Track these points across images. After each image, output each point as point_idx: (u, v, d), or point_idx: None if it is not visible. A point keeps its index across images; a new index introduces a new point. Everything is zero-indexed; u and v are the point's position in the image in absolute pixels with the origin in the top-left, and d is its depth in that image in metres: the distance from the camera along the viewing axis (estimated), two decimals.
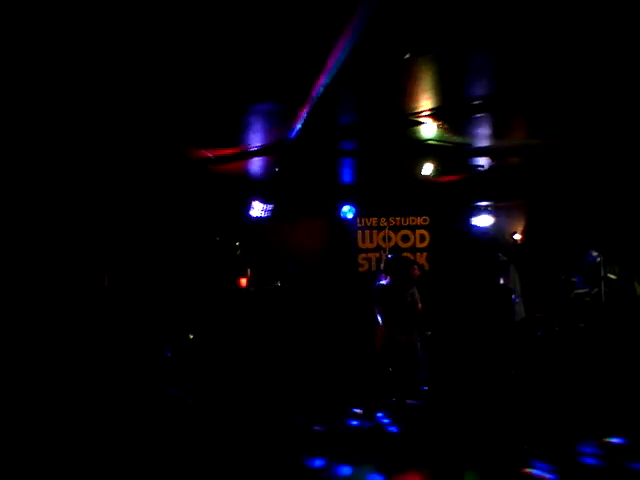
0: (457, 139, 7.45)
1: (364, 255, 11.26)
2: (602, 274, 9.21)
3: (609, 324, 8.79)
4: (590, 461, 5.50)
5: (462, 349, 7.40)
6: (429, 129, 6.83)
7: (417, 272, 8.12)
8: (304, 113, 6.27)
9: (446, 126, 6.76)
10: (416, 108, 6.24)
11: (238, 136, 7.44)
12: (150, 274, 9.32)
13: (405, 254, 10.74)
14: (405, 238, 11.24)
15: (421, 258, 11.17)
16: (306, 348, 9.31)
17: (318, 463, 5.59)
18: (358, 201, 10.76)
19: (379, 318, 7.01)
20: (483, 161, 8.73)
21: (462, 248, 10.57)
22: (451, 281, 10.10)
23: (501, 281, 8.53)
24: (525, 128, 7.45)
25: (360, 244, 11.28)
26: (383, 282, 7.19)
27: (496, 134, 7.46)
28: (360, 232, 11.27)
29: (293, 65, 5.02)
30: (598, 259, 9.13)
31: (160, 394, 7.35)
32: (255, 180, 9.96)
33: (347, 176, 10.20)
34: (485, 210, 10.89)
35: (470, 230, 10.91)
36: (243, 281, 10.24)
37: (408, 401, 7.00)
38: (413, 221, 11.26)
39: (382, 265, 7.62)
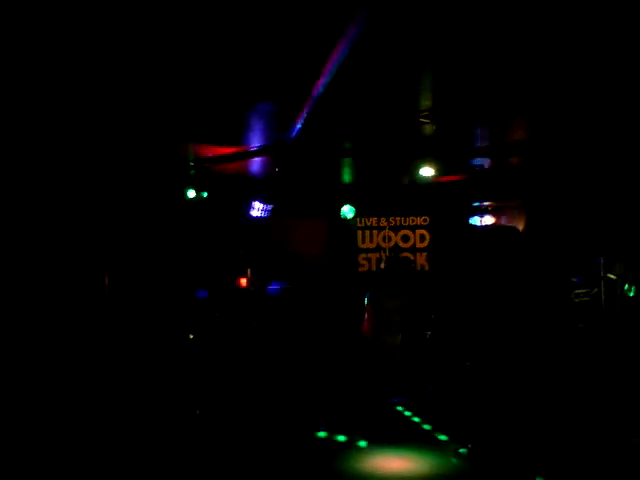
0: None
1: (364, 255, 11.26)
2: (602, 274, 9.20)
3: (609, 324, 8.78)
4: None
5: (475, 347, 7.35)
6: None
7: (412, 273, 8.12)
8: (304, 113, 6.27)
9: None
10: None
11: (238, 136, 7.45)
12: (150, 274, 9.32)
13: (405, 254, 10.76)
14: (405, 238, 11.23)
15: (421, 258, 11.16)
16: (305, 348, 9.31)
17: None
18: (358, 201, 10.75)
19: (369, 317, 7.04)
20: (483, 161, 8.74)
21: (478, 248, 10.46)
22: (456, 280, 10.10)
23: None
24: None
25: (360, 244, 11.27)
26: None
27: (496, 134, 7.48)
28: (360, 232, 11.27)
29: (293, 66, 5.04)
30: None
31: (161, 393, 7.35)
32: (255, 180, 9.96)
33: (347, 176, 10.20)
34: (485, 210, 10.88)
35: (476, 229, 10.88)
36: (243, 281, 10.24)
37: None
38: (413, 221, 11.26)
39: (382, 265, 7.63)
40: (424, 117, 6.49)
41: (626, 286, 8.85)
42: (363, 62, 4.93)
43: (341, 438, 6.38)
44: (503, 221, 11.11)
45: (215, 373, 8.27)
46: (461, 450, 5.82)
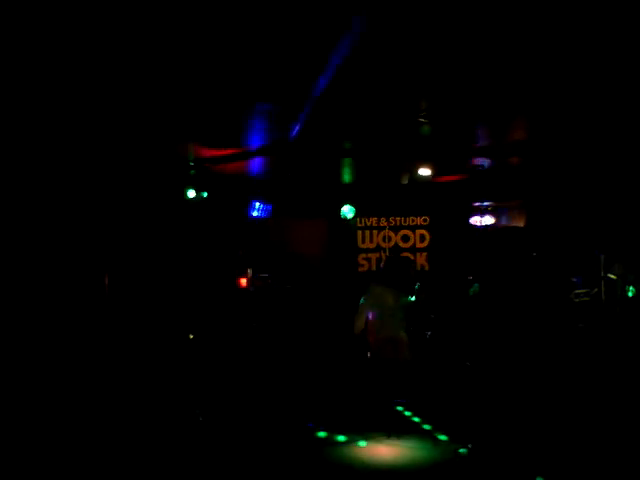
0: None
1: (364, 255, 11.26)
2: (602, 274, 9.19)
3: (608, 324, 8.78)
4: None
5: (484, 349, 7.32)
6: None
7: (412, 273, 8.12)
8: (304, 113, 6.28)
9: None
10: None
11: (238, 136, 7.45)
12: (150, 274, 9.33)
13: (405, 254, 10.76)
14: (405, 238, 11.24)
15: (421, 258, 11.17)
16: (305, 348, 9.31)
17: None
18: (358, 201, 10.76)
19: (371, 317, 7.03)
20: (484, 161, 8.75)
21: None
22: (456, 281, 10.11)
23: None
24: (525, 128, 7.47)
25: (360, 244, 11.28)
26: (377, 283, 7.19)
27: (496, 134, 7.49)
28: (360, 232, 11.28)
29: (293, 66, 5.04)
30: None
31: (161, 393, 7.35)
32: (255, 180, 9.97)
33: (347, 176, 10.21)
34: (485, 210, 10.89)
35: (474, 230, 10.87)
36: (243, 281, 10.24)
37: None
38: (413, 221, 11.26)
39: (382, 264, 7.62)
40: (424, 117, 6.49)
41: (627, 286, 8.84)
42: (363, 63, 4.93)
43: (341, 438, 6.39)
44: (503, 221, 11.11)
45: (215, 373, 8.26)
46: (461, 450, 5.83)
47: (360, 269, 11.21)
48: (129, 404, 6.99)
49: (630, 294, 8.78)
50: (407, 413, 7.34)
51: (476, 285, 7.45)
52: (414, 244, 11.22)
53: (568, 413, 6.80)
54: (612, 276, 9.06)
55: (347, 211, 10.73)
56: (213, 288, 9.89)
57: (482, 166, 8.96)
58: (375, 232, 11.28)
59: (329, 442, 6.33)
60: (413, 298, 7.10)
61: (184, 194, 9.21)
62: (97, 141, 7.28)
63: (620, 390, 7.30)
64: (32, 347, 7.51)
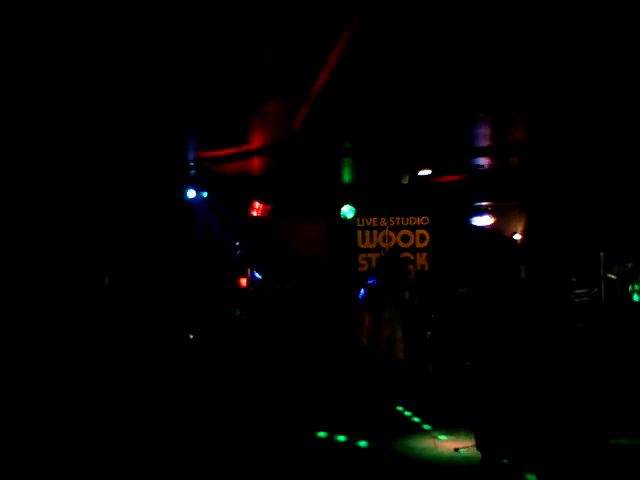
0: None
1: (364, 255, 11.25)
2: (602, 274, 9.19)
3: (609, 324, 8.78)
4: None
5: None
6: None
7: (412, 272, 8.13)
8: (304, 113, 6.28)
9: None
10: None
11: (238, 136, 7.45)
12: (150, 274, 9.33)
13: (405, 254, 10.74)
14: (405, 238, 11.23)
15: (421, 258, 11.16)
16: (305, 348, 9.31)
17: None
18: (358, 201, 10.75)
19: (367, 316, 7.04)
20: (483, 161, 8.74)
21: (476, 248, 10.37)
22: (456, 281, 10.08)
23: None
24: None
25: (360, 244, 11.27)
26: (373, 281, 7.20)
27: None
28: (360, 232, 11.26)
29: (294, 65, 5.04)
30: None
31: (162, 393, 7.35)
32: (255, 180, 9.96)
33: (347, 176, 10.20)
34: (485, 210, 10.87)
35: (472, 230, 10.85)
36: (243, 281, 10.24)
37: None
38: (413, 221, 11.25)
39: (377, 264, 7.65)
40: (423, 117, 6.50)
41: (630, 287, 8.81)
42: (362, 63, 4.94)
43: (341, 438, 6.39)
44: (503, 221, 11.08)
45: (215, 373, 8.27)
46: (462, 450, 5.83)
47: (360, 269, 11.19)
48: (129, 404, 6.99)
49: (636, 297, 8.73)
50: (407, 413, 7.35)
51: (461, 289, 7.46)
52: (414, 244, 11.20)
53: (567, 413, 6.80)
54: (612, 276, 9.06)
55: (347, 211, 10.71)
56: (213, 288, 9.89)
57: (482, 166, 8.96)
58: (375, 232, 11.26)
59: (329, 442, 6.33)
60: (408, 297, 7.13)
61: (184, 194, 9.21)
62: (97, 142, 7.28)
63: (620, 390, 7.30)
64: (32, 347, 7.51)
